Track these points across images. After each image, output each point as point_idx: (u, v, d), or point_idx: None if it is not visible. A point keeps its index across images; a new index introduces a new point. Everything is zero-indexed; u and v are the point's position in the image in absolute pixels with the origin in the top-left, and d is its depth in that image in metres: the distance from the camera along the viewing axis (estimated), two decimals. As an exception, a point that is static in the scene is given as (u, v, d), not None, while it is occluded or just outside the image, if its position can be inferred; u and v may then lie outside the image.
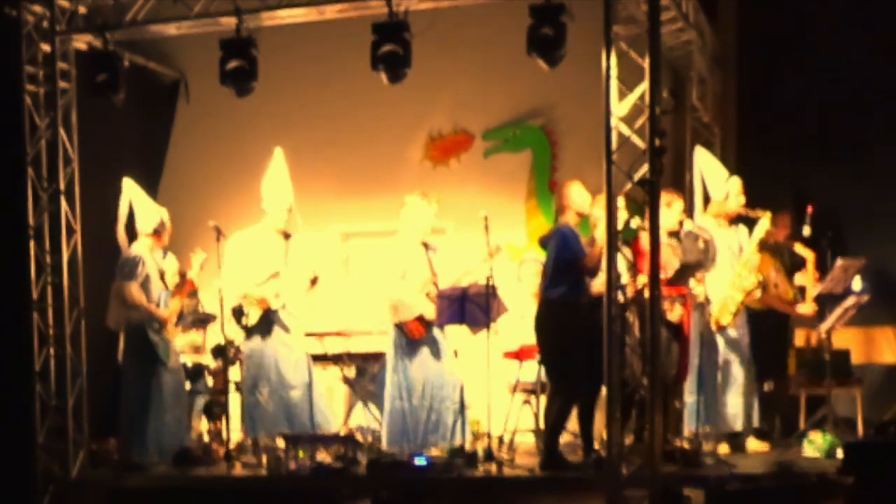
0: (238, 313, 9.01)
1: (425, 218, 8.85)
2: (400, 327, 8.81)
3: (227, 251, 8.98)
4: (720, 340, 8.76)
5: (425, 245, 8.93)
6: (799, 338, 9.61)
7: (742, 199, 8.79)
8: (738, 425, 8.84)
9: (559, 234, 8.29)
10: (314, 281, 8.99)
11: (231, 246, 9.01)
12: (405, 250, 8.87)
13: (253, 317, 8.96)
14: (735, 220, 8.91)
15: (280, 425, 8.92)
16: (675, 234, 8.74)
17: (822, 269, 9.26)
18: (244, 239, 9.06)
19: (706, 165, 8.92)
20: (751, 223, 8.88)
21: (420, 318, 8.77)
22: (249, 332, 9.03)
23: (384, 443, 8.84)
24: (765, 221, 8.71)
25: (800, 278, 9.33)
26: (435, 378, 8.79)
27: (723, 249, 8.77)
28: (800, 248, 9.31)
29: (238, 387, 9.75)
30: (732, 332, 8.79)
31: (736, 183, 8.81)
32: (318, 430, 8.89)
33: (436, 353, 8.83)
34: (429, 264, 8.90)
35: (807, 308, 9.19)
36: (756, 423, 8.96)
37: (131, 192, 9.13)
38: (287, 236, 9.09)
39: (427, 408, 8.74)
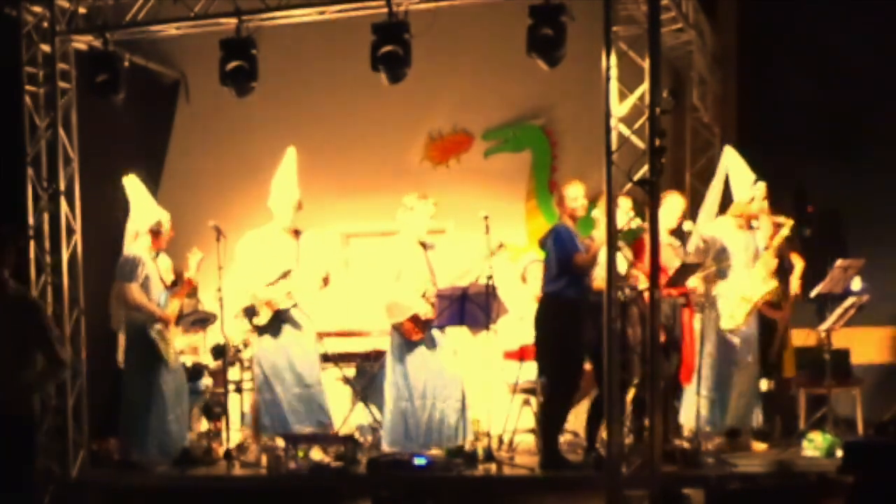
0: (250, 313, 9.00)
1: (422, 218, 8.85)
2: (397, 328, 8.81)
3: (238, 251, 8.96)
4: (734, 339, 8.76)
5: (423, 245, 8.93)
6: (799, 338, 9.60)
7: (765, 204, 8.80)
8: (745, 424, 8.85)
9: (554, 233, 8.36)
10: (326, 280, 8.98)
11: (243, 246, 8.98)
12: (403, 251, 8.88)
13: (264, 317, 8.95)
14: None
15: (296, 423, 8.87)
16: (675, 234, 8.75)
17: (822, 270, 9.24)
18: (256, 238, 9.00)
19: (733, 165, 8.89)
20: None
21: (415, 319, 8.76)
22: (261, 331, 9.01)
23: (385, 443, 8.85)
24: (785, 230, 8.72)
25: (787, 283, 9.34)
26: (435, 378, 8.78)
27: (739, 252, 8.77)
28: (795, 258, 9.33)
29: (238, 387, 9.76)
30: (744, 332, 8.78)
31: (761, 187, 8.80)
32: (325, 429, 8.90)
33: (435, 352, 8.83)
34: (427, 264, 8.90)
35: (782, 314, 9.22)
36: (758, 422, 8.97)
37: (133, 189, 9.12)
38: (297, 234, 9.04)
39: (428, 408, 8.74)
